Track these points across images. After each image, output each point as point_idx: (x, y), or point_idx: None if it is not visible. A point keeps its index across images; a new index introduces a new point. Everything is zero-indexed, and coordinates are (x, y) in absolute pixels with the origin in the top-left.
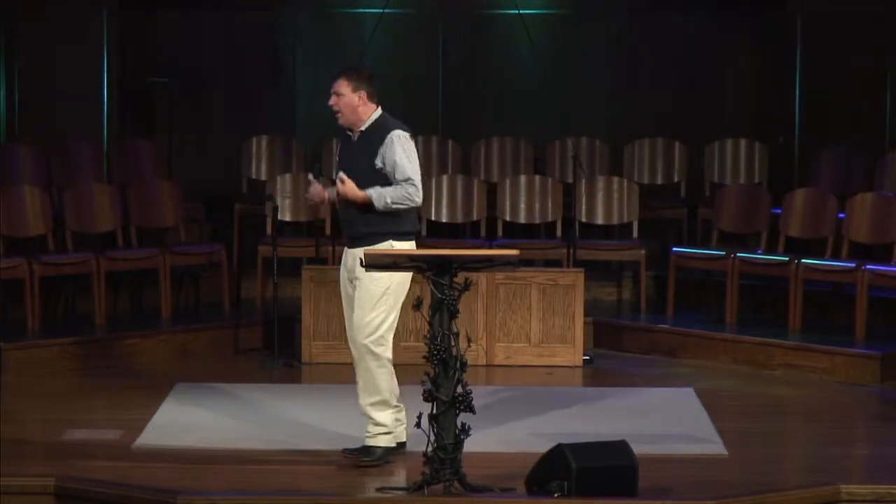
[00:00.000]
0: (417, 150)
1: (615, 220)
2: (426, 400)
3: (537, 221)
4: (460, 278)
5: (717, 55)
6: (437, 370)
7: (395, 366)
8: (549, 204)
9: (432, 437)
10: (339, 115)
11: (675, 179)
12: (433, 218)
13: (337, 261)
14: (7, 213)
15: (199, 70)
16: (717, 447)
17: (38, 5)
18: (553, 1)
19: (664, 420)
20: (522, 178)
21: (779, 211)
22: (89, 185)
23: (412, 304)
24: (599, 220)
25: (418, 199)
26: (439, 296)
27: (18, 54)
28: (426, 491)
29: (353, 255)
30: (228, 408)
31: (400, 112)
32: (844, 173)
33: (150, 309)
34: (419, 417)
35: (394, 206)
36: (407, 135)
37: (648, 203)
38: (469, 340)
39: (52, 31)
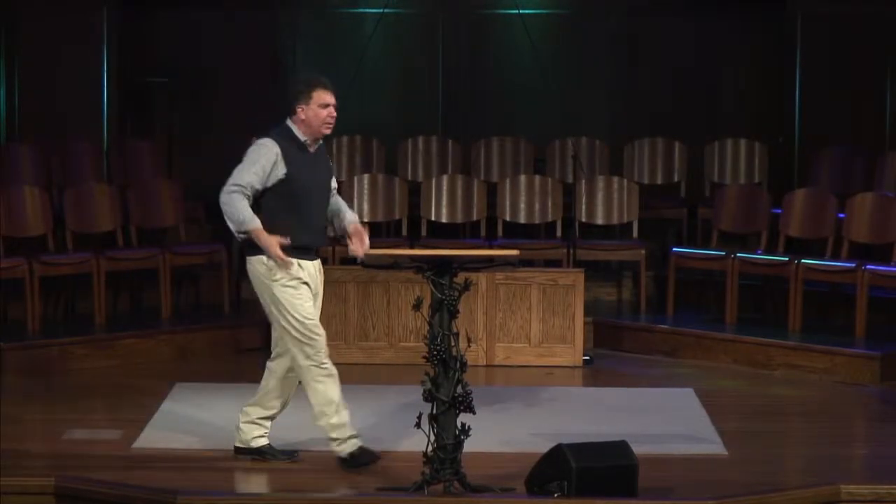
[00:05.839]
0: (417, 151)
1: (615, 220)
2: (426, 400)
3: (537, 221)
4: (460, 278)
5: (717, 55)
6: (437, 370)
7: (394, 366)
8: (549, 204)
9: (432, 437)
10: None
11: (675, 179)
12: (433, 218)
13: (337, 261)
14: (7, 213)
15: (199, 70)
16: (717, 447)
17: (38, 5)
18: (553, 1)
19: (664, 420)
20: (522, 178)
21: (779, 211)
22: (89, 185)
23: (412, 304)
24: (599, 220)
25: None
26: (439, 296)
27: (18, 54)
28: (426, 491)
29: (316, 266)
30: (228, 408)
31: (400, 111)
32: (844, 173)
33: (150, 309)
34: (419, 417)
35: None
36: None
37: (648, 203)
38: (469, 340)
39: (52, 31)
